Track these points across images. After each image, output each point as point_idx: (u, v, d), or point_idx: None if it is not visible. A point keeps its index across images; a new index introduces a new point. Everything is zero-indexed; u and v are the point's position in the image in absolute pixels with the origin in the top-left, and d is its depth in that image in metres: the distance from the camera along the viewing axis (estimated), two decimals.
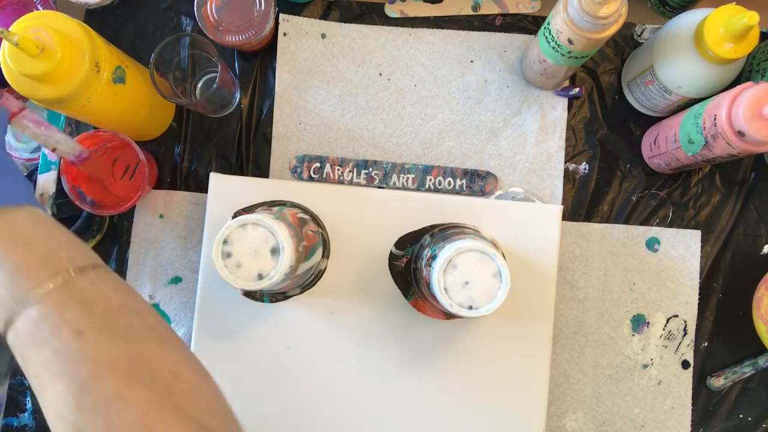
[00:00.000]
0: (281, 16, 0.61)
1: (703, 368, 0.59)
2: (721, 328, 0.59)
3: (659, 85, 0.54)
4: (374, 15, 0.61)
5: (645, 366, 0.58)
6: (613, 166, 0.60)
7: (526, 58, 0.58)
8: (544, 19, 0.60)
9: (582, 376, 0.58)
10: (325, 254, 0.53)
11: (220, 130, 0.61)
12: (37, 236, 0.33)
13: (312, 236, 0.49)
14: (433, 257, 0.44)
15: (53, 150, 0.49)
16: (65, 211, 0.58)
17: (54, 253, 0.32)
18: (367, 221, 0.54)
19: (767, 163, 0.60)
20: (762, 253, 0.60)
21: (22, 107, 0.40)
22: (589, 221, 0.60)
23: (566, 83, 0.60)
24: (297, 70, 0.60)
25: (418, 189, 0.59)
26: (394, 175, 0.59)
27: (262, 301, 0.53)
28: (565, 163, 0.60)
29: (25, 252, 0.31)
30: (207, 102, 0.54)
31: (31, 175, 0.60)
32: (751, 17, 0.45)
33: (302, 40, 0.61)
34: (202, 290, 0.54)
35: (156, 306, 0.59)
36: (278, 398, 0.54)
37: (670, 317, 0.59)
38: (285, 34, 0.61)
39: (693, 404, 0.58)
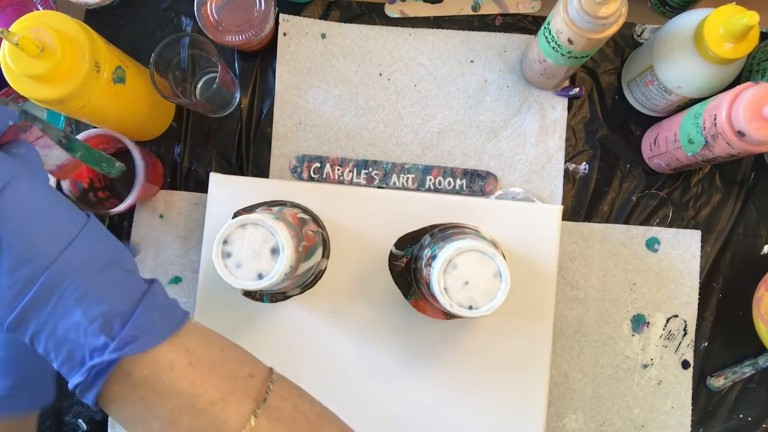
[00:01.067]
0: (281, 16, 0.61)
1: (703, 368, 0.59)
2: (721, 328, 0.59)
3: (659, 85, 0.54)
4: (374, 15, 0.61)
5: (645, 366, 0.58)
6: (613, 166, 0.60)
7: (526, 58, 0.58)
8: (544, 19, 0.60)
9: (582, 376, 0.58)
10: (325, 254, 0.53)
11: (220, 130, 0.60)
12: (213, 356, 0.32)
13: (312, 236, 0.49)
14: (433, 257, 0.44)
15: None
16: None
17: (237, 374, 0.32)
18: (367, 221, 0.54)
19: (767, 163, 0.60)
20: (762, 253, 0.60)
21: (40, 135, 0.39)
22: (589, 221, 0.60)
23: (566, 83, 0.60)
24: (297, 70, 0.60)
25: (418, 189, 0.59)
26: (394, 175, 0.59)
27: (262, 301, 0.53)
28: (565, 163, 0.60)
29: (211, 379, 0.31)
30: (207, 102, 0.54)
31: None
32: (751, 17, 0.45)
33: (302, 40, 0.61)
34: (202, 290, 0.54)
35: None
36: None
37: (670, 317, 0.59)
38: (285, 34, 0.61)
39: (693, 404, 0.58)
